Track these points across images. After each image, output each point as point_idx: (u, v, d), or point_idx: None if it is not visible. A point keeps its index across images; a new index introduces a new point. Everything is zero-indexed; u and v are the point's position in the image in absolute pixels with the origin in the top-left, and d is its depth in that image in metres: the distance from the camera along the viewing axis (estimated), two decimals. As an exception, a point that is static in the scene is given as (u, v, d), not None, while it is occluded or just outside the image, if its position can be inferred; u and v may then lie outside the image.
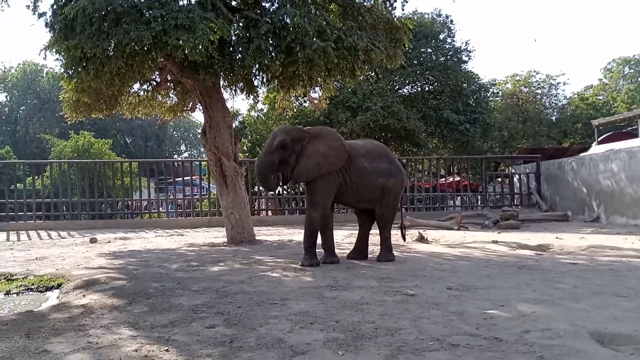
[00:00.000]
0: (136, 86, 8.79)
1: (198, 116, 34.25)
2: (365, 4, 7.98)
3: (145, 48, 6.35)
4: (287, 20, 6.83)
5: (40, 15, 6.74)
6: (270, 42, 6.92)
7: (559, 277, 4.76)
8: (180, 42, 6.01)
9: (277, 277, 4.95)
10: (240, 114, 20.17)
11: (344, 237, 8.41)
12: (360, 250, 6.21)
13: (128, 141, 40.37)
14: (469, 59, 20.97)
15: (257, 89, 8.64)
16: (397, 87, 20.45)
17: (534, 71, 28.61)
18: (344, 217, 11.90)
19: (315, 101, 10.44)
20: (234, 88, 8.47)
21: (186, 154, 50.02)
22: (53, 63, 60.53)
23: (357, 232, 6.43)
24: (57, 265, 5.95)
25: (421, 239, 8.25)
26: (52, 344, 2.86)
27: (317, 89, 9.66)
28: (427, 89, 20.73)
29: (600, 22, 75.90)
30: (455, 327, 3.05)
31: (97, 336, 2.99)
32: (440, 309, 3.53)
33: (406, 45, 8.43)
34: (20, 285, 4.87)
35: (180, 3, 6.56)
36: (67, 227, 11.98)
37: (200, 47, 6.12)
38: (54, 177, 13.84)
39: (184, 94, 9.20)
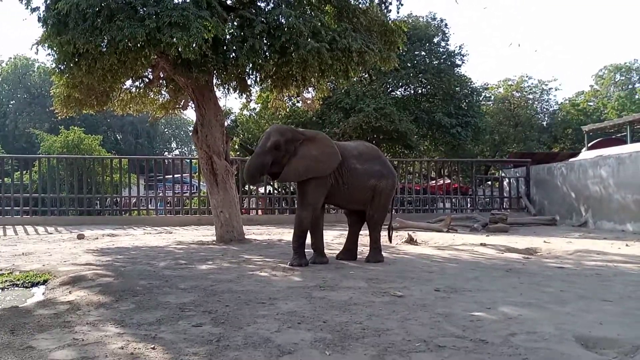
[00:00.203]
0: (128, 83, 8.75)
1: (190, 114, 34.28)
2: (360, 6, 8.01)
3: (139, 45, 6.33)
4: (282, 21, 6.83)
5: (34, 9, 6.67)
6: (265, 41, 6.93)
7: (545, 281, 4.81)
8: (174, 40, 6.00)
9: (265, 277, 4.95)
10: (232, 113, 20.10)
11: (334, 238, 8.43)
12: (349, 250, 6.22)
13: (118, 137, 40.08)
14: (462, 62, 21.07)
15: (250, 88, 8.64)
16: (390, 89, 20.50)
17: (526, 76, 28.87)
18: (335, 218, 11.91)
19: (308, 101, 10.45)
20: (227, 87, 8.46)
21: (177, 152, 49.79)
22: (45, 58, 59.90)
23: (346, 232, 6.44)
24: (44, 261, 5.90)
25: (410, 241, 8.28)
26: (37, 340, 2.84)
27: (310, 89, 9.67)
28: (420, 91, 20.79)
29: (593, 29, 76.66)
30: (442, 329, 3.07)
31: (83, 333, 2.98)
32: (427, 310, 3.55)
33: (400, 48, 8.48)
34: (6, 281, 4.82)
35: (175, 1, 6.53)
36: (55, 223, 11.88)
37: (194, 45, 6.10)
38: (43, 172, 13.73)
39: (177, 92, 9.16)
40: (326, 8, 7.76)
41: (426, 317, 3.37)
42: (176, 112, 10.46)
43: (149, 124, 29.85)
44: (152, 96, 9.50)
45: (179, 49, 6.22)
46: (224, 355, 2.60)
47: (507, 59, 73.67)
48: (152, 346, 2.72)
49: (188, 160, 17.49)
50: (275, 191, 15.17)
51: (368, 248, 6.19)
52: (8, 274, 5.16)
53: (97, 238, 8.96)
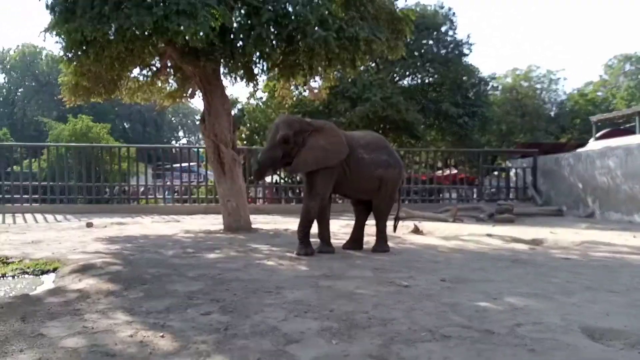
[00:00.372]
0: (136, 71, 8.74)
1: (197, 102, 34.34)
2: (368, -6, 7.92)
3: (146, 33, 6.30)
4: (289, 9, 6.79)
5: (42, -3, 6.68)
6: (272, 30, 6.89)
7: (552, 272, 4.81)
8: (182, 28, 5.97)
9: (272, 266, 4.98)
10: (239, 102, 20.08)
11: (340, 227, 8.44)
12: (356, 240, 6.24)
13: (126, 126, 40.26)
14: (470, 52, 20.92)
15: (257, 77, 8.58)
16: (397, 78, 20.39)
17: (534, 66, 28.62)
18: (341, 207, 11.93)
19: (315, 90, 10.40)
20: (234, 75, 8.43)
21: (184, 140, 49.98)
22: (53, 46, 60.02)
23: (353, 222, 6.46)
24: (53, 249, 5.96)
25: (416, 231, 8.29)
26: (47, 328, 2.87)
27: (317, 78, 9.62)
28: (427, 81, 20.66)
29: (603, 19, 75.65)
30: (448, 319, 3.09)
31: (93, 321, 3.01)
32: (433, 300, 3.56)
33: (408, 37, 8.40)
34: (16, 269, 4.88)
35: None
36: (63, 211, 11.98)
37: (201, 33, 6.08)
38: (51, 160, 13.82)
39: (184, 80, 9.16)
40: (333, -4, 7.70)
41: (432, 307, 3.38)
42: (183, 100, 10.45)
43: (156, 113, 29.88)
44: (159, 85, 9.49)
45: (187, 38, 6.21)
46: (231, 343, 2.63)
47: (515, 48, 72.96)
48: (161, 334, 2.75)
49: (195, 149, 17.55)
50: (282, 180, 15.18)
51: (374, 238, 6.21)
52: (18, 262, 5.22)
53: (105, 226, 9.03)
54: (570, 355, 2.49)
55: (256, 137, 18.84)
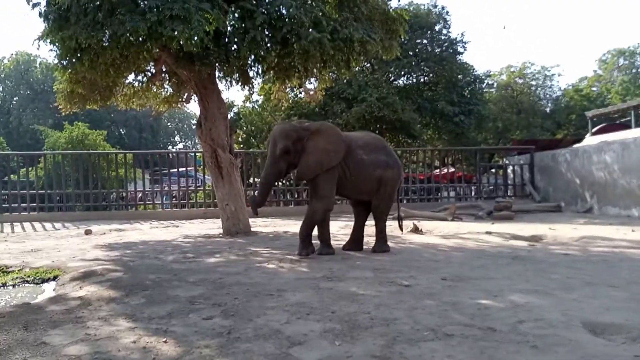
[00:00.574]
0: (131, 77, 8.76)
1: (193, 107, 34.42)
2: (361, -6, 7.95)
3: (141, 39, 6.32)
4: (283, 11, 6.81)
5: (35, 5, 6.66)
6: (266, 33, 6.91)
7: (551, 268, 4.82)
8: (176, 33, 5.98)
9: (273, 269, 4.98)
10: (235, 105, 20.08)
11: (340, 228, 8.45)
12: (355, 241, 6.25)
13: (122, 132, 40.18)
14: (464, 50, 20.99)
15: (253, 80, 8.61)
16: (393, 78, 20.43)
17: (529, 62, 28.73)
18: (339, 208, 11.90)
19: (311, 92, 10.42)
20: (229, 79, 8.44)
21: (181, 145, 49.92)
22: (47, 53, 60.02)
23: (352, 223, 6.47)
24: (53, 257, 5.95)
25: (415, 230, 8.30)
26: (50, 336, 2.87)
27: (312, 80, 9.64)
28: (422, 80, 20.72)
29: (596, 14, 75.93)
30: (450, 318, 3.09)
31: (95, 328, 3.01)
32: (434, 299, 3.57)
33: (402, 37, 8.43)
34: (16, 278, 4.87)
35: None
36: (62, 219, 11.96)
37: (195, 38, 6.09)
38: (48, 168, 13.78)
39: (179, 85, 9.16)
40: (327, -2, 7.72)
41: (433, 306, 3.39)
42: (179, 105, 10.45)
43: (152, 118, 29.83)
44: (155, 90, 9.49)
45: (181, 42, 6.21)
46: (235, 347, 2.64)
47: (510, 45, 73.19)
48: (164, 339, 2.75)
49: (192, 154, 17.53)
50: (280, 183, 15.17)
51: (374, 238, 6.21)
52: (18, 270, 5.21)
53: (104, 233, 9.01)
54: (572, 351, 2.50)
55: (253, 140, 18.85)
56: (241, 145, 18.02)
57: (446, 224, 9.38)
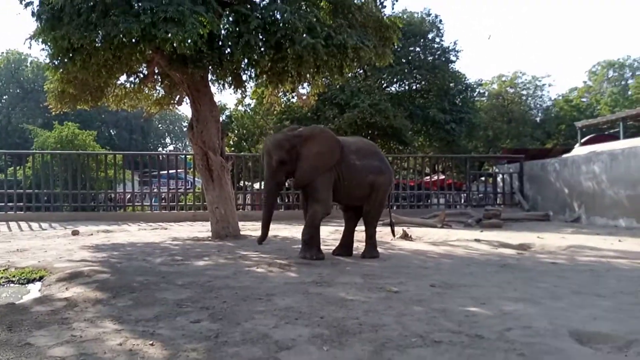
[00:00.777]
0: (123, 78, 8.70)
1: (184, 109, 34.24)
2: (355, 1, 7.98)
3: (134, 40, 6.28)
4: (278, 16, 6.81)
5: (27, 4, 6.60)
6: (260, 37, 6.91)
7: (539, 276, 4.85)
8: (169, 35, 5.95)
9: (262, 273, 4.96)
10: (227, 108, 20.04)
11: (329, 233, 8.45)
12: (345, 246, 6.25)
13: (113, 133, 39.92)
14: (457, 58, 21.13)
15: (246, 83, 8.60)
16: (385, 85, 20.52)
17: (520, 72, 28.99)
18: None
19: (304, 97, 10.43)
20: (222, 82, 8.42)
21: (171, 147, 49.69)
22: (38, 53, 59.58)
23: (342, 228, 6.47)
24: (39, 258, 5.88)
25: (405, 237, 8.31)
26: (35, 337, 2.84)
27: (305, 85, 9.66)
28: (414, 87, 20.83)
29: (587, 26, 76.91)
30: (438, 324, 3.10)
31: (81, 330, 2.98)
32: (423, 306, 3.58)
33: (395, 44, 8.47)
34: (1, 277, 4.80)
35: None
36: (49, 219, 11.83)
37: (189, 40, 6.06)
38: (36, 168, 13.65)
39: (171, 87, 9.13)
40: (321, 4, 7.75)
41: (422, 312, 3.39)
42: (171, 107, 10.41)
43: (143, 120, 29.69)
44: (146, 92, 9.43)
45: (174, 45, 6.18)
46: (222, 351, 2.62)
47: (501, 55, 73.84)
48: (151, 342, 2.73)
49: (183, 156, 17.46)
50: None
51: (363, 244, 6.21)
52: (3, 270, 5.14)
53: (91, 234, 8.93)
54: (559, 359, 2.51)
55: (244, 143, 18.81)
56: (232, 149, 17.97)
57: (436, 231, 9.41)
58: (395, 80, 20.37)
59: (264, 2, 7.46)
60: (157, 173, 15.55)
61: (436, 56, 20.23)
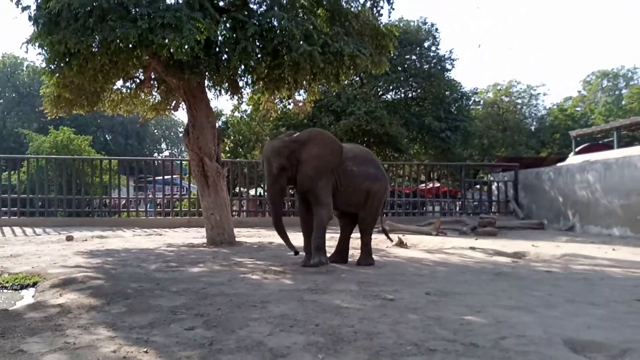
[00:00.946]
0: (119, 83, 8.69)
1: (180, 115, 33.94)
2: (352, 10, 8.04)
3: (131, 46, 6.30)
4: (275, 23, 6.84)
5: (24, 8, 6.62)
6: (257, 44, 6.94)
7: (534, 285, 4.86)
8: (166, 41, 5.97)
9: (257, 280, 4.95)
10: (223, 114, 20.05)
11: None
12: (340, 253, 6.24)
13: (108, 138, 39.84)
14: (452, 67, 21.26)
15: (242, 90, 8.62)
16: (381, 92, 20.61)
17: (515, 81, 29.16)
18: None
19: (300, 104, 10.46)
20: (218, 88, 8.44)
21: (167, 153, 49.60)
22: (35, 57, 59.46)
23: (337, 235, 6.46)
24: (33, 263, 5.85)
25: (400, 244, 8.32)
26: (28, 344, 2.82)
27: (301, 91, 9.68)
28: (410, 95, 20.93)
29: (581, 36, 77.56)
30: (433, 332, 3.10)
31: (75, 336, 2.96)
32: (418, 314, 3.58)
33: (391, 52, 8.52)
34: (-5, 283, 4.78)
35: (168, 2, 6.53)
36: (43, 224, 11.75)
37: (186, 46, 6.09)
38: (31, 172, 13.59)
39: (168, 93, 9.13)
40: (318, 11, 7.79)
41: (417, 320, 3.39)
42: (167, 113, 10.41)
43: (139, 125, 29.65)
44: (143, 97, 9.44)
45: (171, 50, 6.20)
46: (216, 358, 2.61)
47: (496, 64, 74.32)
48: (145, 349, 2.71)
49: (178, 162, 17.43)
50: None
51: (359, 251, 6.21)
52: (-4, 275, 5.11)
53: (86, 240, 8.89)
54: (553, 368, 2.52)
55: (240, 149, 18.81)
56: (228, 155, 17.97)
57: (431, 239, 9.42)
58: (391, 87, 20.47)
59: (261, 9, 7.50)
60: (152, 179, 15.50)
61: (432, 64, 20.34)
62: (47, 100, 8.39)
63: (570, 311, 3.72)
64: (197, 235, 9.76)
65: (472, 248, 7.94)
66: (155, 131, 47.38)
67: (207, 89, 8.38)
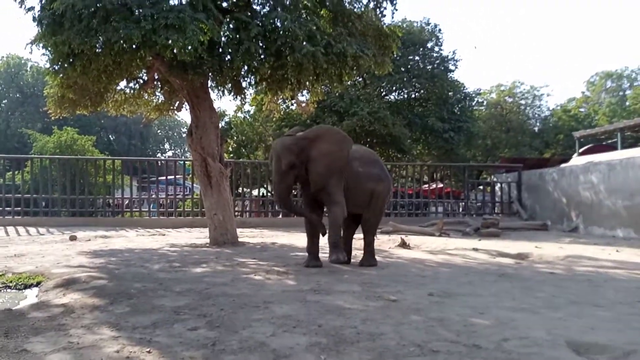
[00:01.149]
0: (122, 84, 8.72)
1: (183, 115, 34.25)
2: (355, 10, 8.05)
3: (134, 46, 6.32)
4: (278, 24, 6.85)
5: (28, 9, 6.65)
6: (260, 44, 6.95)
7: (537, 286, 4.85)
8: (170, 41, 5.98)
9: (260, 280, 4.95)
10: (226, 115, 20.05)
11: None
12: (343, 254, 6.23)
13: (112, 138, 39.91)
14: (456, 68, 21.22)
15: (245, 90, 8.64)
16: (384, 93, 20.59)
17: (519, 82, 29.11)
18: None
19: (303, 104, 10.46)
20: (221, 89, 8.45)
21: (170, 153, 49.66)
22: (39, 58, 59.68)
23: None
24: (37, 263, 5.87)
25: (403, 245, 8.31)
26: (31, 344, 2.82)
27: (304, 92, 9.69)
28: (413, 96, 20.90)
29: (585, 37, 77.37)
30: (436, 334, 3.09)
31: (78, 336, 2.97)
32: (421, 315, 3.57)
33: (394, 53, 8.52)
34: (-2, 283, 4.79)
35: (171, 3, 6.54)
36: (47, 224, 11.78)
37: (189, 47, 6.11)
38: (35, 172, 13.63)
39: (171, 93, 9.15)
40: (322, 12, 7.79)
41: (420, 321, 3.39)
42: (170, 113, 10.43)
43: (142, 125, 29.70)
44: (146, 97, 9.47)
45: (175, 51, 6.22)
46: (219, 359, 2.61)
47: (500, 65, 74.20)
48: (148, 350, 2.72)
49: (182, 162, 17.45)
50: (269, 194, 15.15)
51: (361, 252, 6.21)
52: (0, 275, 5.13)
53: (89, 240, 8.91)
54: (557, 370, 2.51)
55: (243, 150, 18.81)
56: (231, 155, 17.97)
57: (434, 240, 9.41)
58: (394, 88, 20.45)
59: (265, 10, 7.50)
60: (155, 179, 15.54)
61: (435, 65, 20.32)
62: (51, 101, 8.42)
63: (574, 313, 3.71)
64: (200, 236, 9.78)
65: (475, 249, 7.92)
66: (159, 131, 47.45)
67: (210, 90, 8.39)
